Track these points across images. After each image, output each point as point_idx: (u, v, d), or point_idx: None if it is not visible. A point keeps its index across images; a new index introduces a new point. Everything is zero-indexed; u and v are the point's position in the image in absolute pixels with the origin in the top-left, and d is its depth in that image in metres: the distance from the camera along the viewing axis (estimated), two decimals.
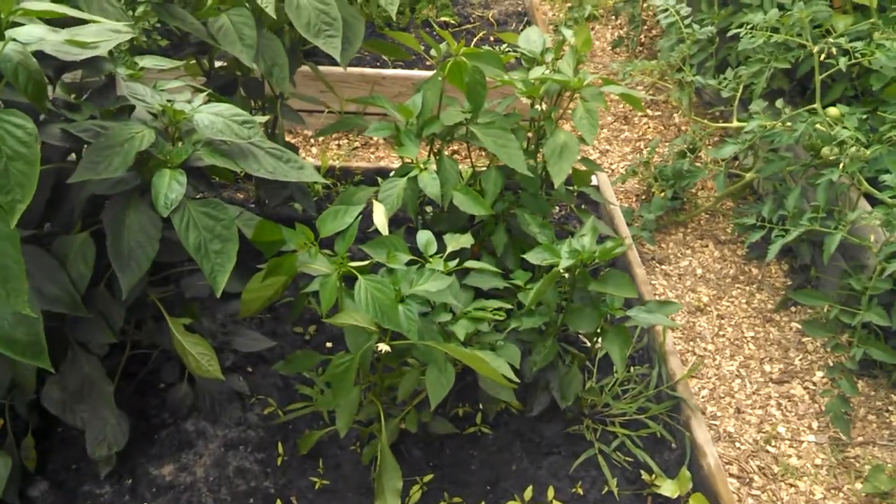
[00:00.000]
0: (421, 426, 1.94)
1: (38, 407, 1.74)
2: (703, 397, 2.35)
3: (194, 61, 2.24)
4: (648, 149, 3.16)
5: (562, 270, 1.79)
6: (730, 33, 2.76)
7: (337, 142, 3.27)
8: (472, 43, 2.20)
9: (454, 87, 2.00)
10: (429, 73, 2.77)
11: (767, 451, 2.19)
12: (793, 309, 2.65)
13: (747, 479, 2.11)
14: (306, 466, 1.92)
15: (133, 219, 1.54)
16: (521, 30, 3.84)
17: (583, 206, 2.55)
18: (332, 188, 2.82)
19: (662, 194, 2.98)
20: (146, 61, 1.74)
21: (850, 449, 2.20)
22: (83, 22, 1.49)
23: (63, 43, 1.43)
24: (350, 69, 2.77)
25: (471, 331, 1.75)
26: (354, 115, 2.95)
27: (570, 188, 2.34)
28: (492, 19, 4.10)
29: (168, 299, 1.82)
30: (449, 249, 1.80)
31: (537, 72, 2.08)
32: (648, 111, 3.61)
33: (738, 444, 2.21)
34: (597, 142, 3.42)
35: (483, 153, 2.96)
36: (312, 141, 3.25)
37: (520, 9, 4.22)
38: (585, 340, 2.25)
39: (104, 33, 1.48)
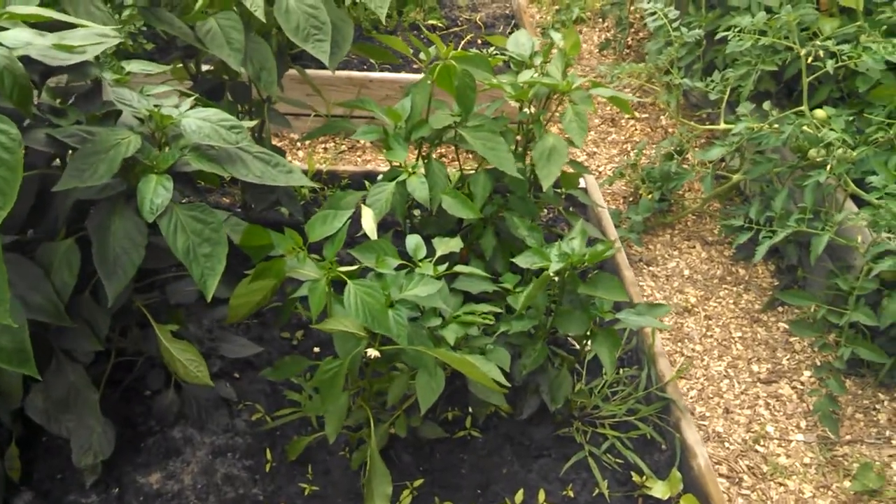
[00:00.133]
0: (410, 431, 1.93)
1: (23, 416, 1.72)
2: (691, 398, 2.35)
3: (181, 65, 2.22)
4: (636, 151, 3.17)
5: (551, 274, 1.79)
6: (717, 36, 2.77)
7: (324, 145, 3.25)
8: (460, 46, 2.20)
9: (442, 91, 1.99)
10: (416, 77, 2.77)
11: (756, 451, 2.20)
12: (780, 309, 2.66)
13: (737, 479, 2.12)
14: (295, 473, 1.91)
15: (118, 225, 1.52)
16: (509, 33, 3.85)
17: (571, 209, 2.55)
18: (318, 192, 2.81)
19: (650, 196, 2.99)
20: (133, 66, 1.72)
21: (839, 447, 2.22)
22: (70, 26, 1.47)
23: (50, 47, 1.41)
24: (337, 72, 2.76)
25: (460, 335, 1.74)
26: (341, 118, 2.94)
27: (559, 191, 2.34)
28: (479, 22, 4.10)
29: (153, 306, 1.81)
30: (438, 253, 1.79)
31: (526, 75, 2.08)
32: (636, 114, 3.62)
33: (727, 444, 2.22)
34: (584, 144, 3.42)
35: (471, 156, 2.95)
36: (299, 144, 3.23)
37: (507, 12, 4.22)
38: (575, 343, 2.25)
39: (91, 38, 1.47)
